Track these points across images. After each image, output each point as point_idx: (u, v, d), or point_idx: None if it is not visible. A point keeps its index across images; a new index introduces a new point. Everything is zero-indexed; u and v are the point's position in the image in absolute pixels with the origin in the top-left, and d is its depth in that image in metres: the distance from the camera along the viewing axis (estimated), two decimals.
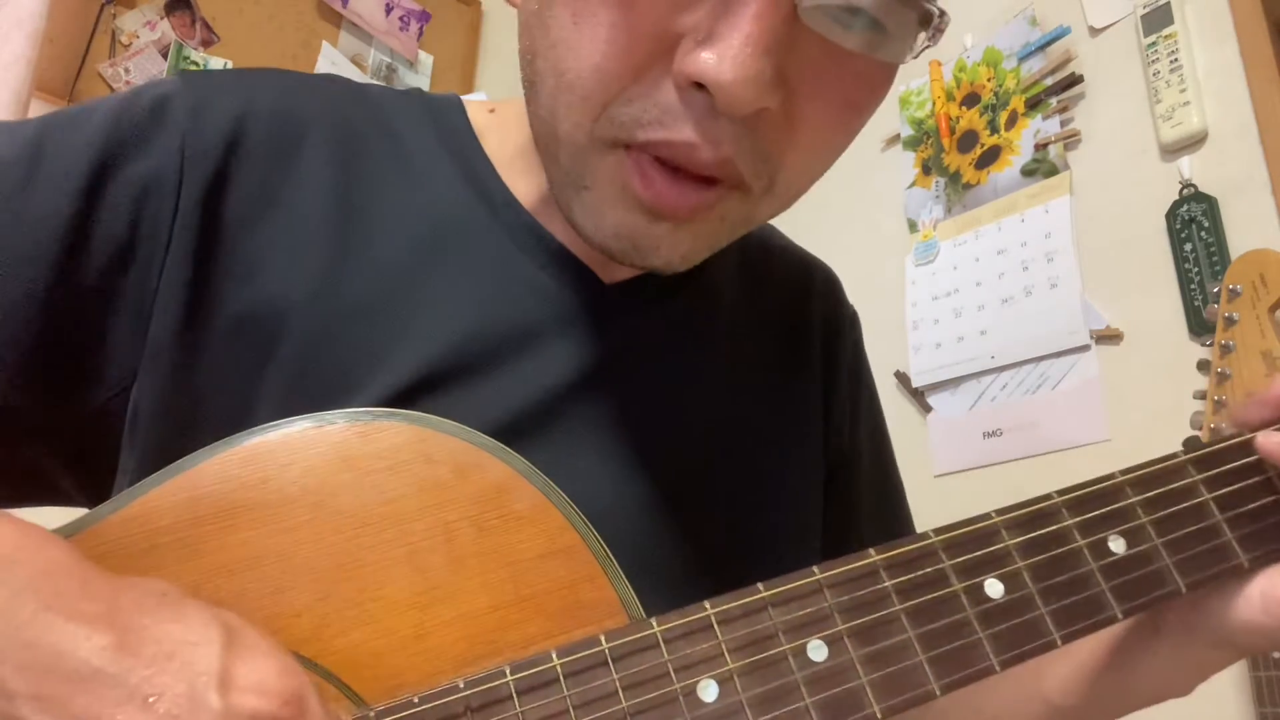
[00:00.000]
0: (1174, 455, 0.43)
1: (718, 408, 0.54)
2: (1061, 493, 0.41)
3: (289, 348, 0.43)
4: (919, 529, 0.50)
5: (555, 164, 0.42)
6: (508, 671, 0.33)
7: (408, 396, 0.43)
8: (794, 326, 0.61)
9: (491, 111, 0.53)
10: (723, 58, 0.34)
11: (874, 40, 0.37)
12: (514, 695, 0.33)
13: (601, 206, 0.41)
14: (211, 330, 0.43)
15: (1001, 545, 0.39)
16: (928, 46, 0.38)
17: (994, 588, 0.38)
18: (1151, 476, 0.42)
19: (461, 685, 0.33)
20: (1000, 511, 0.40)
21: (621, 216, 0.41)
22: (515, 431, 0.44)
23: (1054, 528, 0.40)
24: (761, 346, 0.58)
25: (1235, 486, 0.42)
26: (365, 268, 0.45)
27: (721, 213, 0.42)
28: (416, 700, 0.33)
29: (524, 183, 0.50)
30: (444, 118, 0.52)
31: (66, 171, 0.41)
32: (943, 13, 0.37)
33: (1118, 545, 0.40)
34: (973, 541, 0.39)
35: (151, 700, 0.25)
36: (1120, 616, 0.39)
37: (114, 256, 0.42)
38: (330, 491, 0.36)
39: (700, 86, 0.36)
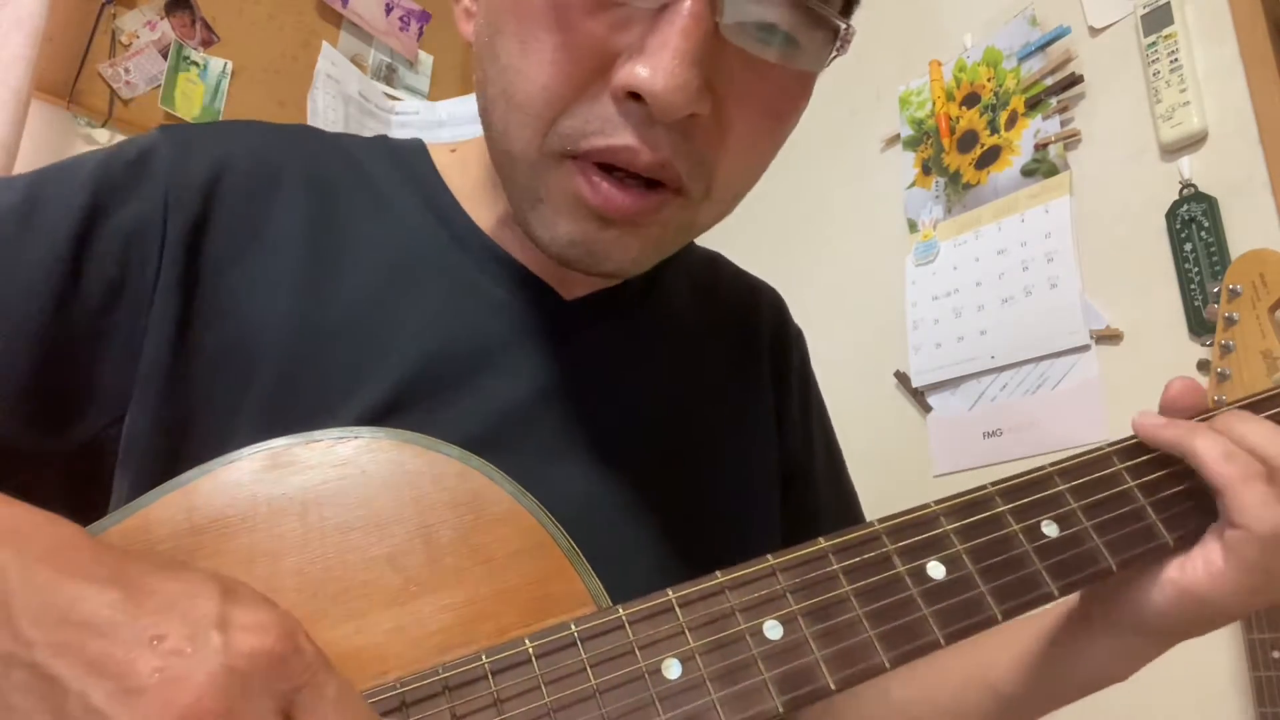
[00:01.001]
0: (1099, 447, 0.47)
1: (676, 415, 0.57)
2: (995, 483, 0.44)
3: (269, 373, 0.46)
4: None
5: (512, 182, 0.47)
6: (483, 655, 0.36)
7: (382, 415, 0.46)
8: (744, 341, 0.65)
9: (453, 151, 0.58)
10: (655, 69, 0.38)
11: (789, 53, 0.42)
12: (489, 675, 0.35)
13: (555, 217, 0.45)
14: (197, 359, 0.46)
15: (940, 530, 0.42)
16: (837, 56, 0.44)
17: (936, 569, 0.41)
18: (1078, 466, 0.45)
19: (440, 669, 0.35)
20: (938, 501, 0.43)
21: (574, 224, 0.44)
22: (486, 443, 0.47)
23: (988, 514, 0.43)
24: (714, 359, 0.62)
25: (1158, 474, 0.45)
26: (339, 296, 0.49)
27: (665, 218, 0.45)
28: (398, 684, 0.35)
29: (484, 212, 0.55)
30: (409, 159, 0.57)
31: (59, 219, 0.45)
32: (848, 27, 0.43)
33: (1050, 529, 0.43)
34: (913, 527, 0.42)
35: (157, 641, 0.27)
36: (1056, 594, 0.41)
37: (105, 296, 0.45)
38: (317, 502, 0.38)
39: (636, 97, 0.40)
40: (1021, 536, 0.42)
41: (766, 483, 0.62)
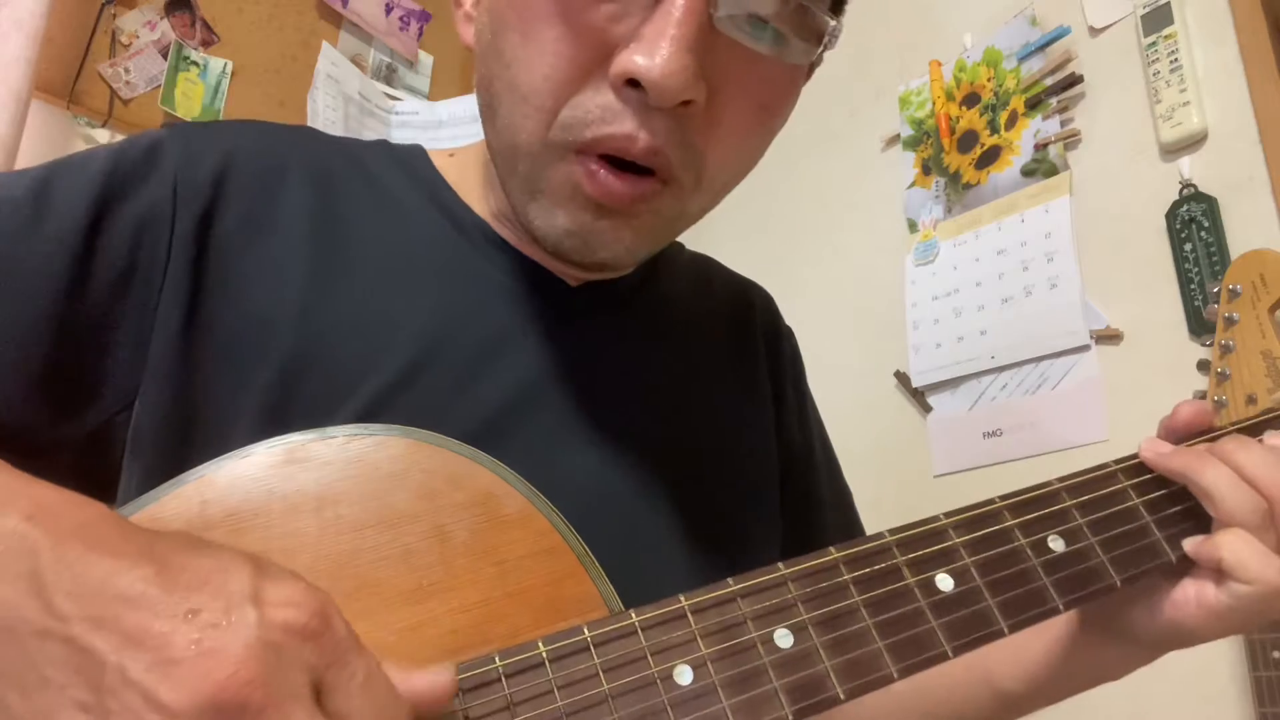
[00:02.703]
0: (1104, 465, 0.47)
1: (679, 402, 0.58)
2: (1003, 497, 0.45)
3: (275, 360, 0.47)
4: None
5: (513, 175, 0.48)
6: (496, 658, 0.36)
7: (389, 403, 0.47)
8: (740, 334, 0.67)
9: (451, 156, 0.60)
10: (652, 56, 0.40)
11: (779, 47, 0.44)
12: (502, 678, 0.35)
13: (553, 208, 0.46)
14: (205, 346, 0.47)
15: (950, 543, 0.42)
16: (825, 50, 0.46)
17: (944, 581, 0.41)
18: (1084, 482, 0.46)
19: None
20: (947, 514, 0.44)
21: (571, 215, 0.46)
22: (494, 428, 0.48)
23: (997, 527, 0.43)
24: (714, 349, 0.63)
25: (1162, 492, 0.47)
26: (345, 285, 0.50)
27: (657, 207, 0.47)
28: None
29: (483, 205, 0.56)
30: (410, 160, 0.58)
31: (71, 209, 0.45)
32: (836, 24, 0.45)
33: (1057, 544, 0.43)
34: (923, 539, 0.42)
35: (192, 615, 0.27)
36: (1062, 608, 0.42)
37: (116, 284, 0.46)
38: (332, 499, 0.38)
39: (634, 84, 0.42)
40: (1029, 551, 0.43)
41: (768, 472, 0.62)
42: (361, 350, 0.48)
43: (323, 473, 0.39)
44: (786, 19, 0.43)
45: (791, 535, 0.62)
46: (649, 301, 0.61)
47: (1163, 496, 0.46)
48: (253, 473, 0.38)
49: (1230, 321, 0.90)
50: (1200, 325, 1.16)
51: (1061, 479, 0.46)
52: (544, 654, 0.36)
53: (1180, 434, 0.49)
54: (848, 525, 0.69)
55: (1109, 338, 1.28)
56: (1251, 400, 0.85)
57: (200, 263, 0.48)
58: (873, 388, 1.61)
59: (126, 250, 0.46)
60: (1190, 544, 0.45)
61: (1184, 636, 0.46)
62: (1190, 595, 0.44)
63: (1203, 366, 0.95)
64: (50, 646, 0.27)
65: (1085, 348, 1.31)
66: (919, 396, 1.53)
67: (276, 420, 0.44)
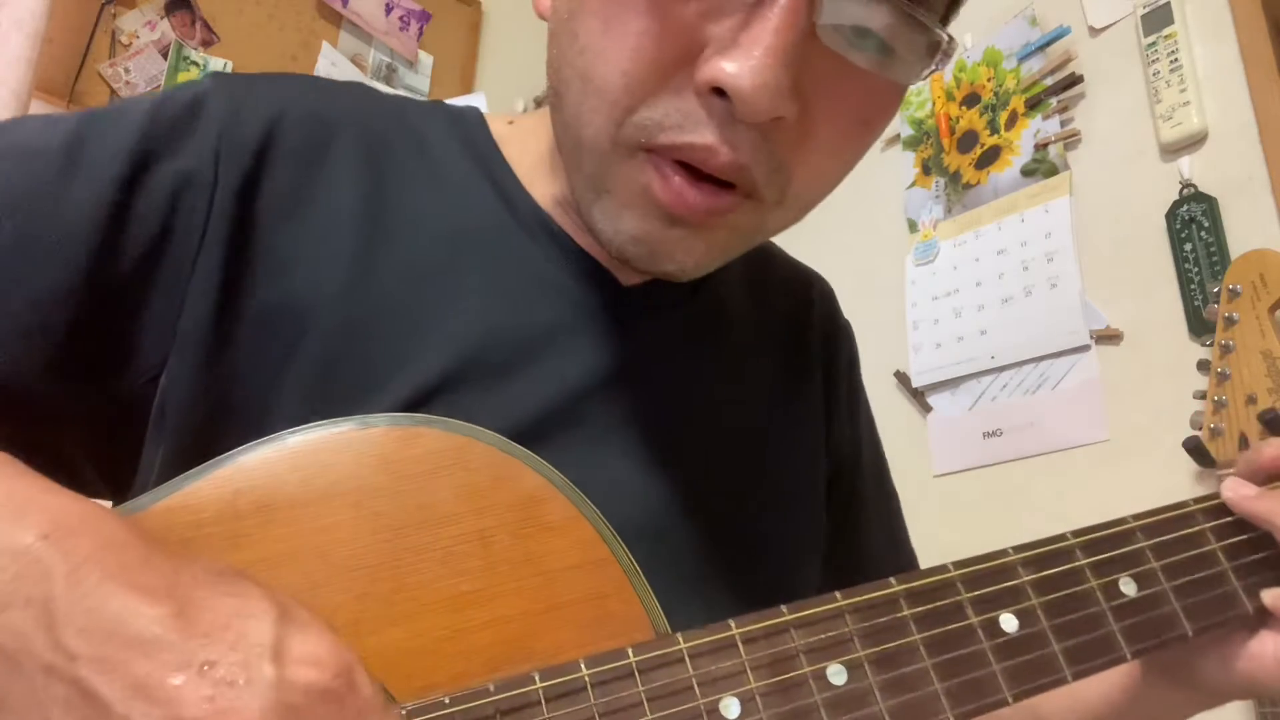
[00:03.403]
0: (1183, 504, 0.45)
1: (730, 409, 0.55)
2: (1076, 533, 0.42)
3: (315, 342, 0.44)
4: (918, 528, 0.50)
5: (577, 169, 0.44)
6: (537, 679, 0.34)
7: (432, 395, 0.44)
8: (795, 335, 0.63)
9: (510, 124, 0.55)
10: (743, 66, 0.36)
11: (884, 61, 0.39)
12: (543, 701, 0.33)
13: (620, 210, 0.42)
14: (240, 322, 0.44)
15: (1017, 581, 0.40)
16: (935, 70, 0.40)
17: (1009, 622, 0.39)
18: (1162, 523, 0.44)
19: (492, 689, 0.33)
20: (1017, 549, 0.41)
21: (639, 221, 0.42)
22: (539, 430, 0.45)
23: (1067, 566, 0.41)
24: (767, 352, 0.60)
25: (1243, 537, 0.44)
26: (392, 267, 0.47)
27: (735, 222, 0.43)
28: (447, 701, 0.33)
29: (542, 190, 0.52)
30: (467, 127, 0.54)
31: (106, 162, 0.42)
32: (951, 39, 0.39)
33: (1129, 588, 0.41)
34: (989, 576, 0.40)
35: (207, 668, 0.26)
36: (1129, 657, 0.40)
37: (149, 247, 0.43)
38: (370, 492, 0.36)
39: (720, 93, 0.37)
40: (1099, 594, 0.41)
41: (814, 483, 0.60)
42: (405, 337, 0.45)
43: (361, 465, 0.36)
44: (894, 30, 0.39)
45: (834, 545, 0.60)
46: (704, 304, 0.57)
47: (1243, 542, 0.44)
48: (287, 462, 0.36)
49: (1230, 321, 0.90)
50: (1200, 325, 1.16)
51: (1137, 516, 0.44)
52: (587, 678, 0.34)
53: (1266, 473, 0.47)
54: (891, 534, 0.66)
55: (1109, 338, 1.28)
56: (1251, 400, 0.85)
57: (240, 233, 0.44)
58: (873, 388, 1.59)
59: (161, 214, 0.43)
60: (1271, 595, 0.42)
61: (1255, 689, 0.44)
62: (1268, 649, 0.42)
63: (1203, 366, 0.94)
64: (55, 686, 0.26)
65: (1085, 348, 1.31)
66: (919, 396, 1.53)
67: (313, 404, 0.42)
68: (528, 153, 0.53)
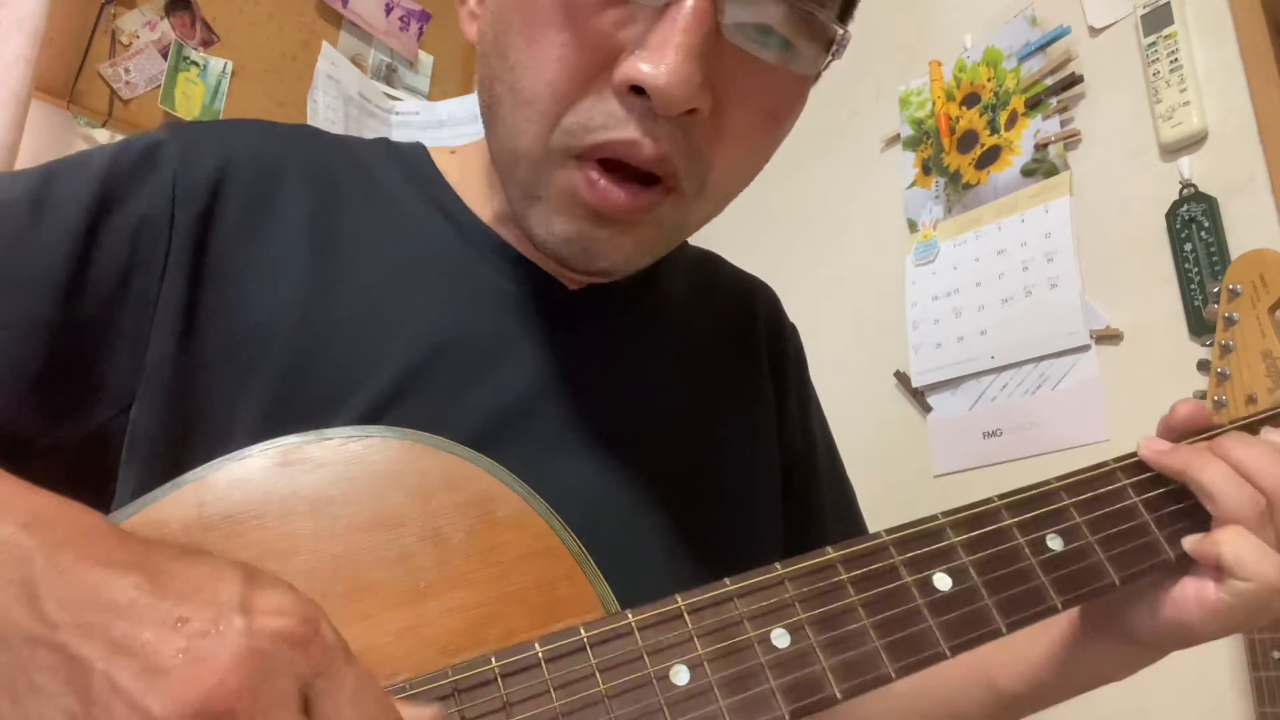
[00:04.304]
0: (1103, 464, 0.47)
1: (679, 406, 0.58)
2: (1001, 496, 0.45)
3: (275, 363, 0.47)
4: None
5: (513, 180, 0.48)
6: (493, 658, 0.36)
7: (388, 406, 0.47)
8: (742, 336, 0.66)
9: (452, 154, 0.59)
10: (658, 63, 0.40)
11: (786, 56, 0.44)
12: (498, 678, 0.35)
13: (553, 215, 0.46)
14: (203, 352, 0.47)
15: (947, 542, 0.42)
16: (832, 61, 0.45)
17: (942, 581, 0.41)
18: (1083, 481, 0.46)
19: (450, 672, 0.35)
20: (945, 512, 0.43)
21: (570, 222, 0.46)
22: (491, 433, 0.48)
23: (995, 526, 0.43)
24: (714, 353, 0.63)
25: (1161, 490, 0.46)
26: (344, 289, 0.50)
27: (659, 216, 0.46)
28: (408, 686, 0.35)
29: (485, 208, 0.56)
30: (410, 159, 0.58)
31: (68, 211, 0.45)
32: (845, 33, 0.44)
33: (1055, 543, 0.43)
34: (921, 538, 0.42)
35: (181, 623, 0.27)
36: (1060, 607, 0.42)
37: (113, 287, 0.46)
38: (329, 500, 0.38)
39: (639, 92, 0.41)
40: (1027, 550, 0.43)
41: (768, 475, 0.62)
42: (360, 354, 0.48)
43: (320, 474, 0.39)
44: (794, 27, 0.43)
45: (792, 537, 0.62)
46: (650, 304, 0.60)
47: (1161, 495, 0.46)
48: (250, 475, 0.38)
49: (1230, 321, 0.90)
50: (1200, 325, 1.16)
51: (1059, 478, 0.46)
52: (540, 654, 0.36)
53: (1178, 432, 0.49)
54: (850, 525, 0.69)
55: (1109, 338, 1.28)
56: (1251, 400, 0.85)
57: (198, 265, 0.47)
58: (873, 388, 1.61)
59: (124, 253, 0.46)
60: (1190, 541, 0.44)
61: (1185, 635, 0.45)
62: (1190, 593, 0.44)
63: (1203, 366, 0.95)
64: (40, 654, 0.27)
65: (1085, 348, 1.31)
66: (919, 396, 1.53)
67: (274, 423, 0.44)
68: (469, 175, 0.57)
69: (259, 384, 0.46)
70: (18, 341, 0.43)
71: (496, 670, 0.35)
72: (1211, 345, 0.93)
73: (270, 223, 0.50)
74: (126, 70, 1.69)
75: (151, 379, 0.45)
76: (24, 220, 0.44)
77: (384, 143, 0.59)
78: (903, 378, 1.56)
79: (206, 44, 1.81)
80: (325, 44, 1.95)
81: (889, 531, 0.42)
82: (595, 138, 0.43)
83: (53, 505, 0.32)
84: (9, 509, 0.30)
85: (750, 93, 0.44)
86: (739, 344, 0.65)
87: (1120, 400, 1.25)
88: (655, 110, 0.41)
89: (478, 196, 0.56)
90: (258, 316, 0.47)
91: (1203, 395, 0.93)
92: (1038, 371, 1.37)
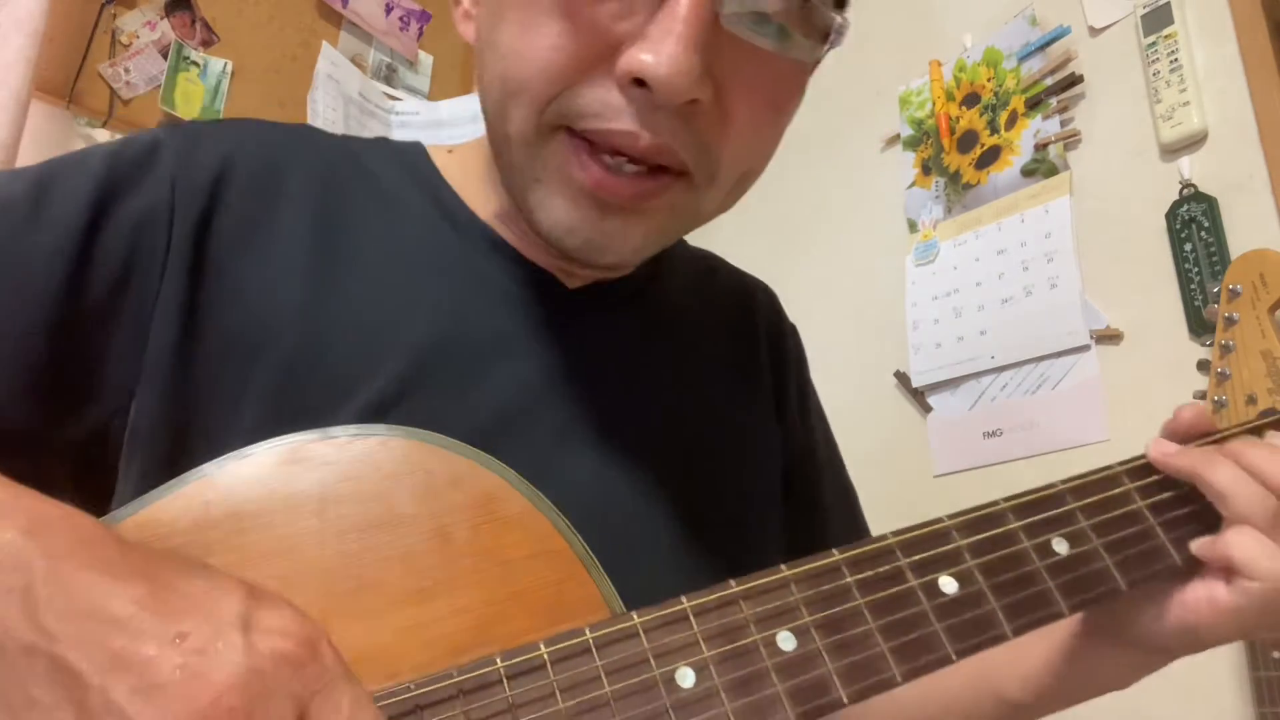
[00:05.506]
0: (1109, 467, 0.47)
1: (680, 403, 0.58)
2: (1007, 499, 0.44)
3: (276, 363, 0.46)
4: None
5: (510, 167, 0.47)
6: (498, 659, 0.35)
7: (391, 405, 0.46)
8: (742, 335, 0.66)
9: (450, 152, 0.59)
10: (658, 55, 0.40)
11: (785, 44, 0.44)
12: (504, 679, 0.35)
13: (551, 197, 0.46)
14: (203, 349, 0.46)
15: (953, 545, 0.42)
16: (831, 48, 0.45)
17: (948, 584, 0.41)
18: (1089, 485, 0.46)
19: (455, 673, 0.35)
20: (951, 515, 0.43)
21: (570, 208, 0.45)
22: (494, 432, 0.48)
23: (1001, 530, 0.43)
24: (715, 352, 0.63)
25: (1168, 494, 0.46)
26: (345, 287, 0.49)
27: (669, 201, 0.46)
28: (412, 686, 0.34)
29: (485, 207, 0.55)
30: (409, 158, 0.58)
31: (68, 209, 0.45)
32: (842, 20, 0.44)
33: (1061, 547, 0.43)
34: (927, 541, 0.42)
35: (179, 639, 0.27)
36: (1067, 612, 0.41)
37: (114, 285, 0.46)
38: (334, 499, 0.38)
39: (639, 83, 0.41)
40: (1033, 554, 0.42)
41: (770, 473, 0.62)
42: (360, 353, 0.48)
43: (325, 473, 0.38)
44: (791, 16, 0.43)
45: (794, 536, 0.62)
46: (649, 302, 0.60)
47: (1168, 499, 0.46)
48: (255, 473, 0.38)
49: (1230, 321, 0.90)
50: (1200, 325, 1.16)
51: (1065, 481, 0.46)
52: (545, 656, 0.36)
53: (1182, 436, 0.49)
54: (851, 525, 0.69)
55: (1109, 338, 1.28)
56: (1251, 400, 0.85)
57: (198, 264, 0.47)
58: (873, 388, 1.61)
59: (124, 251, 0.46)
60: (1199, 544, 0.44)
61: (1193, 640, 0.45)
62: (1200, 596, 0.44)
63: (1203, 366, 0.95)
64: (37, 665, 0.27)
65: (1085, 348, 1.31)
66: (919, 396, 1.53)
67: (276, 422, 0.43)
68: (468, 175, 0.56)
69: (259, 383, 0.46)
70: (18, 340, 0.43)
71: (502, 671, 0.35)
72: (1211, 345, 0.93)
73: (271, 221, 0.50)
74: (126, 70, 1.69)
75: (151, 377, 0.45)
76: (23, 220, 0.44)
77: (383, 142, 0.60)
78: (903, 378, 1.56)
79: (206, 44, 1.81)
80: (325, 44, 1.95)
81: (895, 534, 0.42)
82: (591, 124, 0.43)
83: (55, 511, 0.31)
84: (11, 514, 0.30)
85: (751, 82, 0.44)
86: (739, 342, 0.65)
87: (1120, 400, 1.25)
88: (657, 101, 0.41)
89: (477, 195, 0.56)
90: (259, 314, 0.47)
91: (1203, 395, 0.93)
92: (1038, 371, 1.37)
